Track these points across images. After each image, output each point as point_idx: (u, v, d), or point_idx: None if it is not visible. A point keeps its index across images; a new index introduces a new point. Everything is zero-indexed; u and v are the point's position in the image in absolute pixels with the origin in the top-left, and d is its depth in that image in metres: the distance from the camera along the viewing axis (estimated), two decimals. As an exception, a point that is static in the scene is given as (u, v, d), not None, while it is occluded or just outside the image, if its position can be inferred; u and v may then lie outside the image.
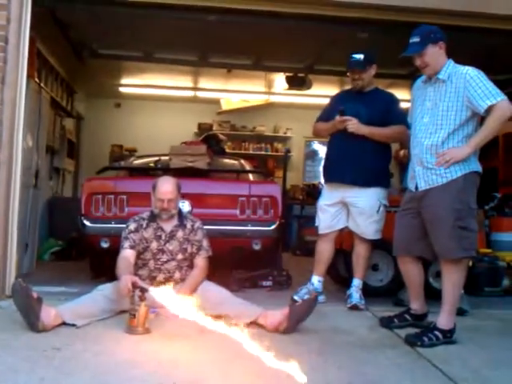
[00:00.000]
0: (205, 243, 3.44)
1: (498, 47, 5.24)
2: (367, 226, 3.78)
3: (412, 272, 3.22)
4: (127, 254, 3.28)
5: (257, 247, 4.25)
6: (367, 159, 3.75)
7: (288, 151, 6.72)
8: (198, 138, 7.82)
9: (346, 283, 4.07)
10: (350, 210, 3.84)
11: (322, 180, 4.10)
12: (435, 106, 3.01)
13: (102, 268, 4.30)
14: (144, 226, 3.38)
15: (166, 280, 3.27)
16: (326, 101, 4.23)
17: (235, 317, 2.84)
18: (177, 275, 3.37)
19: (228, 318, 2.78)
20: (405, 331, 3.04)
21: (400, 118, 3.70)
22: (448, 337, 2.92)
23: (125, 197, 4.21)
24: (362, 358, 2.64)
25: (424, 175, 3.02)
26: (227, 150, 7.60)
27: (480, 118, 2.99)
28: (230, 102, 8.88)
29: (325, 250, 3.90)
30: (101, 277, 4.15)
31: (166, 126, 8.76)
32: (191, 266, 3.40)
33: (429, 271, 3.99)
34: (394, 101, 3.91)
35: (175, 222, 3.42)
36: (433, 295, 3.38)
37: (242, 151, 9.12)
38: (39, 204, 5.38)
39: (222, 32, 5.31)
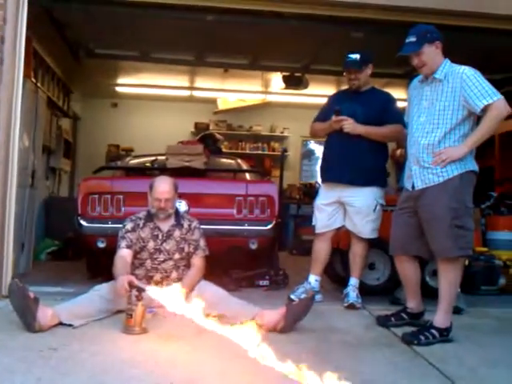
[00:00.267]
0: (202, 243, 3.44)
1: (494, 47, 5.25)
2: (364, 226, 3.79)
3: (408, 271, 3.22)
4: (124, 254, 3.28)
5: (253, 246, 4.25)
6: (364, 159, 3.75)
7: (285, 151, 6.72)
8: (194, 137, 7.76)
9: (342, 282, 4.09)
10: (346, 210, 3.84)
11: (319, 179, 4.10)
12: (432, 105, 3.02)
13: (99, 268, 4.30)
14: (141, 225, 3.38)
15: (163, 280, 3.27)
16: (323, 100, 4.24)
17: (232, 316, 2.84)
18: (174, 275, 3.36)
19: (225, 317, 2.77)
20: (401, 330, 3.05)
21: (396, 117, 3.72)
22: (444, 335, 2.93)
23: (121, 197, 4.21)
24: (359, 356, 2.65)
25: (421, 174, 3.03)
26: (224, 150, 7.61)
27: (476, 118, 3.00)
28: (226, 101, 8.87)
29: (321, 249, 3.91)
30: (97, 277, 4.15)
31: (162, 126, 8.73)
32: (188, 266, 3.40)
33: (425, 270, 4.00)
34: (391, 100, 3.92)
35: (172, 221, 3.42)
36: (429, 294, 3.38)
37: (239, 151, 9.10)
38: (36, 204, 5.37)
39: (219, 32, 5.31)
